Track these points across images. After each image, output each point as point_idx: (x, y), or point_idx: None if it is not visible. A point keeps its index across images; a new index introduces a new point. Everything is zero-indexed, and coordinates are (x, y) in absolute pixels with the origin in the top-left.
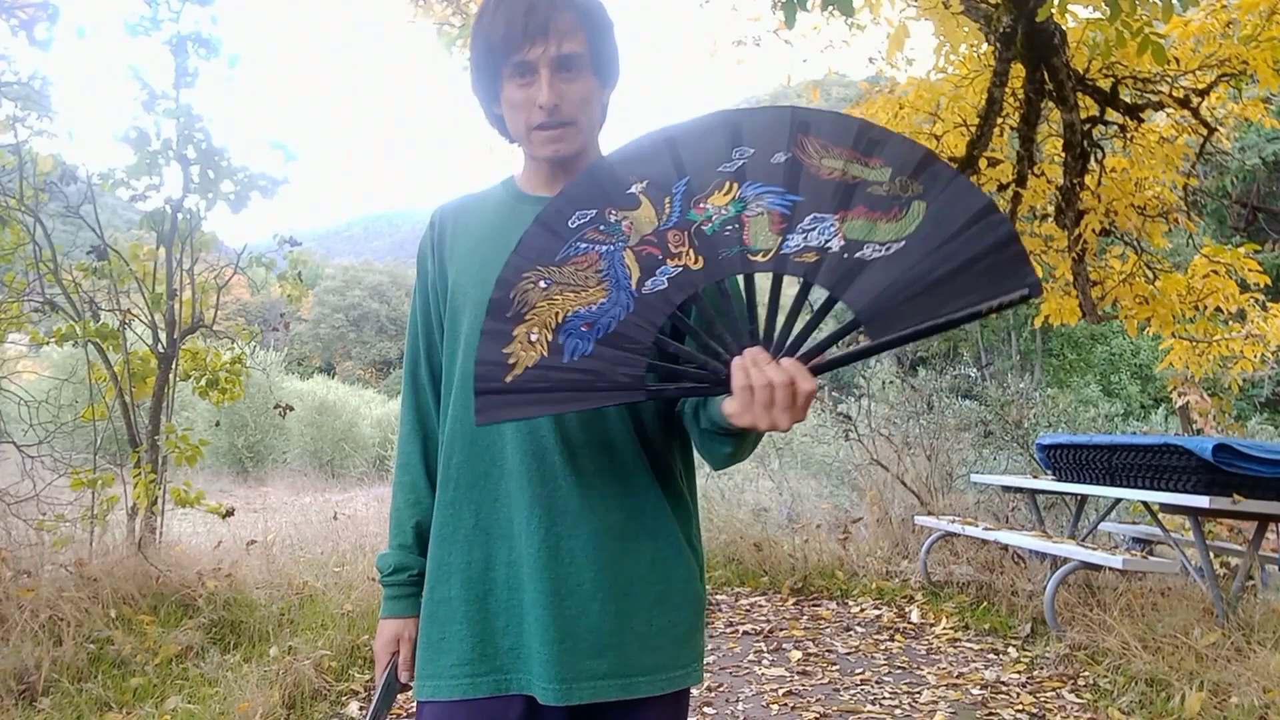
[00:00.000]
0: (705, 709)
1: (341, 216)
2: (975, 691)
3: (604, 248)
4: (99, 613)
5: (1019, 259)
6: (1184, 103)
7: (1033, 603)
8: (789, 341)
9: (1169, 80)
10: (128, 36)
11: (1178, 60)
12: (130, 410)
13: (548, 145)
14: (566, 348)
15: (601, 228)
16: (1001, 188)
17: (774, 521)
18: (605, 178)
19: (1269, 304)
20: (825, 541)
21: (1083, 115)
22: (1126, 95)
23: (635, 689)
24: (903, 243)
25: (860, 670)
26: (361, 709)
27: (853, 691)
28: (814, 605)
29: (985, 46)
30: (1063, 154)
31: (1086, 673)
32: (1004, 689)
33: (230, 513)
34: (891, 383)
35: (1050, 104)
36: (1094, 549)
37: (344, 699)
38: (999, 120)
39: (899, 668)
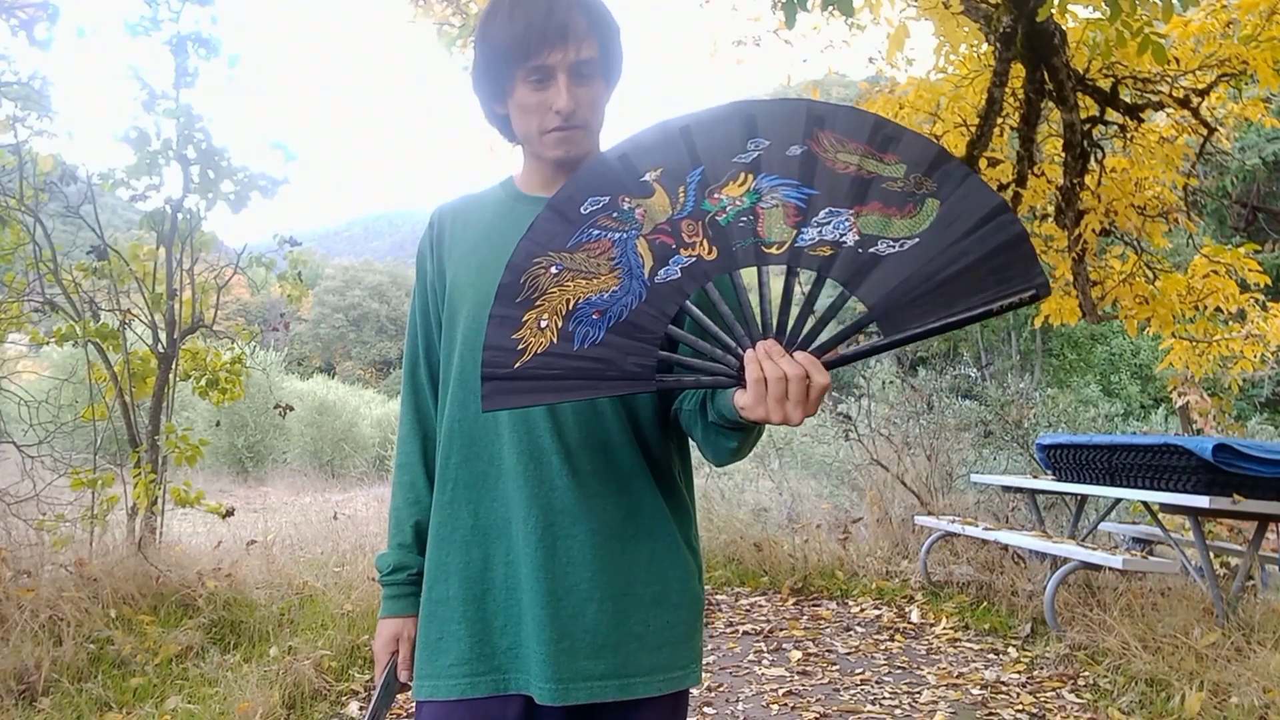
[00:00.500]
0: (705, 709)
1: (341, 216)
2: (975, 691)
3: (617, 235)
4: (99, 613)
5: (1028, 259)
6: (1184, 103)
7: (1033, 603)
8: (801, 335)
9: (1169, 80)
10: (128, 36)
11: (1178, 60)
12: (130, 410)
13: (559, 147)
14: (577, 335)
15: (614, 214)
16: (1001, 188)
17: (774, 521)
18: (619, 164)
19: (1269, 304)
20: (825, 541)
21: (1083, 115)
22: (1126, 95)
23: (633, 690)
24: (916, 239)
25: (860, 670)
26: (361, 709)
27: (853, 691)
28: (814, 605)
29: (985, 46)
30: (1063, 154)
31: (1086, 673)
32: (1004, 689)
33: (230, 513)
34: (891, 383)
35: (1050, 104)
36: (1094, 549)
37: (344, 699)
38: (999, 120)
39: (899, 668)
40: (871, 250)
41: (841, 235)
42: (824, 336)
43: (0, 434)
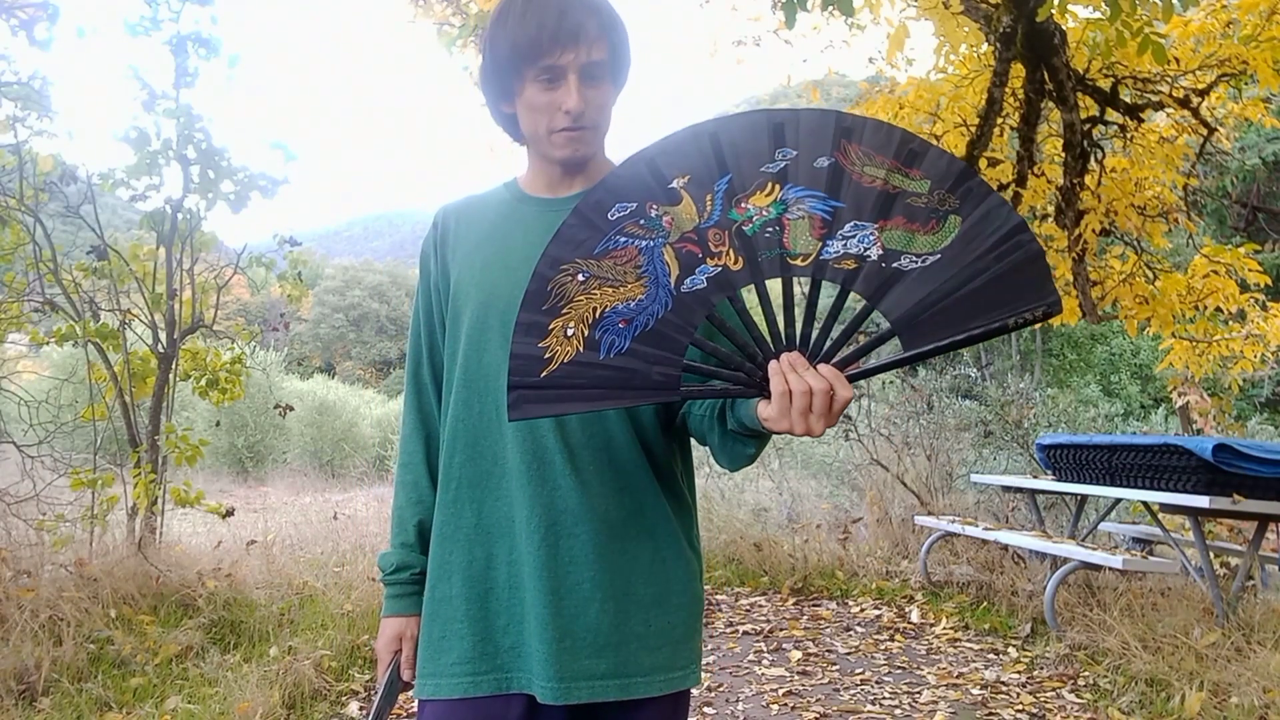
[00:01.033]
0: (705, 709)
1: (341, 216)
2: (975, 691)
3: (644, 243)
4: (99, 613)
5: (1044, 277)
6: (1184, 103)
7: (1033, 603)
8: (825, 348)
9: (1169, 80)
10: (128, 36)
11: (1178, 60)
12: (130, 410)
13: (567, 147)
14: (603, 344)
15: (642, 222)
16: (1001, 188)
17: (774, 521)
18: (646, 170)
19: (1269, 304)
20: (825, 541)
21: (1083, 115)
22: (1126, 95)
23: (634, 689)
24: (938, 255)
25: (860, 670)
26: (362, 709)
27: (853, 691)
28: (814, 605)
29: (985, 46)
30: (1063, 154)
31: (1086, 673)
32: (1004, 689)
33: (230, 513)
34: (891, 383)
35: (1050, 104)
36: (1094, 549)
37: (344, 699)
38: (999, 120)
39: (899, 668)
40: (895, 265)
41: (866, 249)
42: (844, 350)
43: (0, 434)
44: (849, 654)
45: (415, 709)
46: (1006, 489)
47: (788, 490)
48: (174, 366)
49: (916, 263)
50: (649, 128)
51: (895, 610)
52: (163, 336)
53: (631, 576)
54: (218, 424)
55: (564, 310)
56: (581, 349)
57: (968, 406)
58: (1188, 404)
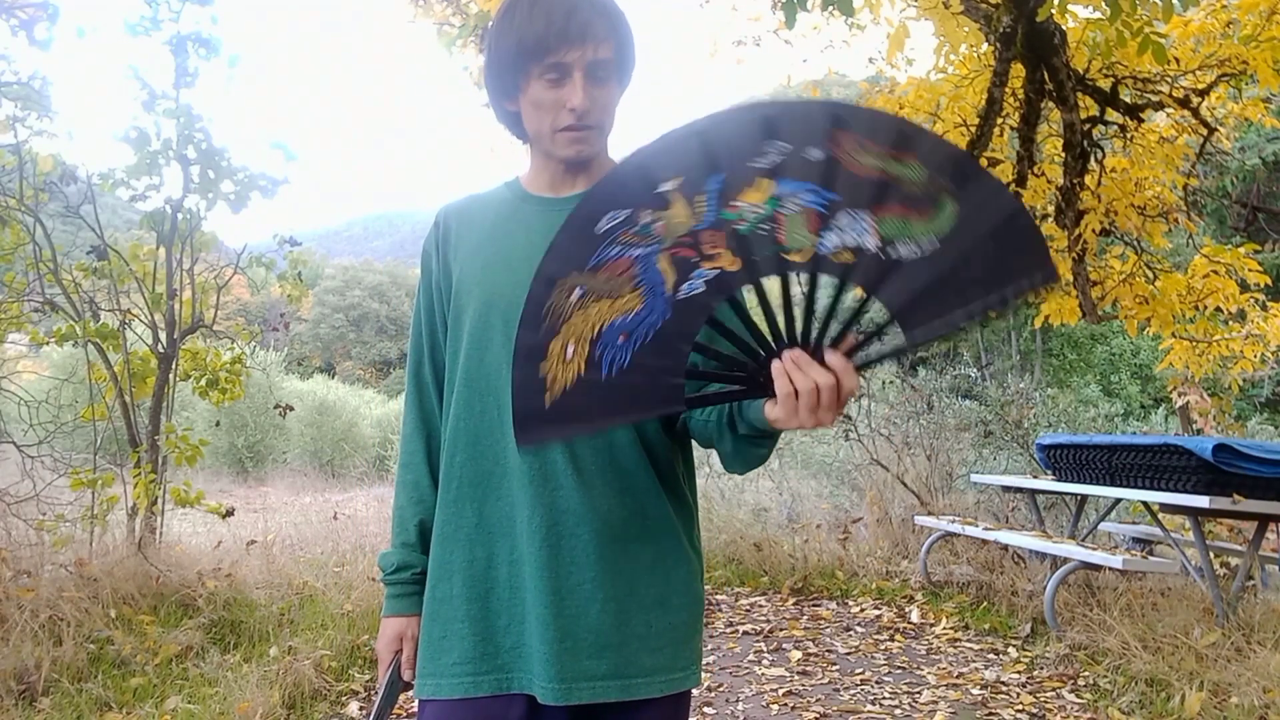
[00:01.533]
0: (705, 709)
1: (341, 216)
2: (975, 691)
3: (637, 251)
4: (99, 613)
5: (1041, 249)
6: (1184, 103)
7: (1033, 603)
8: (826, 342)
9: (1169, 80)
10: (128, 36)
11: (1178, 60)
12: (130, 410)
13: (572, 146)
14: (604, 361)
15: (634, 230)
16: None
17: (774, 521)
18: (635, 176)
19: (1269, 304)
20: (825, 541)
21: (1083, 115)
22: (1126, 95)
23: (634, 690)
24: (935, 242)
25: (860, 670)
26: (362, 709)
27: (853, 691)
28: (814, 605)
29: (985, 46)
30: (1063, 154)
31: (1086, 673)
32: (1004, 689)
33: (230, 513)
34: (891, 383)
35: (1050, 104)
36: (1094, 549)
37: (344, 699)
38: (999, 120)
39: (899, 668)
40: (891, 253)
41: (862, 239)
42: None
43: (0, 434)
44: (849, 654)
45: (415, 709)
46: (1006, 489)
47: (788, 490)
48: (174, 366)
49: (914, 250)
50: (649, 128)
51: (895, 610)
52: (163, 336)
53: (633, 577)
54: (218, 424)
55: (561, 329)
56: (583, 370)
57: (968, 406)
58: (1188, 404)
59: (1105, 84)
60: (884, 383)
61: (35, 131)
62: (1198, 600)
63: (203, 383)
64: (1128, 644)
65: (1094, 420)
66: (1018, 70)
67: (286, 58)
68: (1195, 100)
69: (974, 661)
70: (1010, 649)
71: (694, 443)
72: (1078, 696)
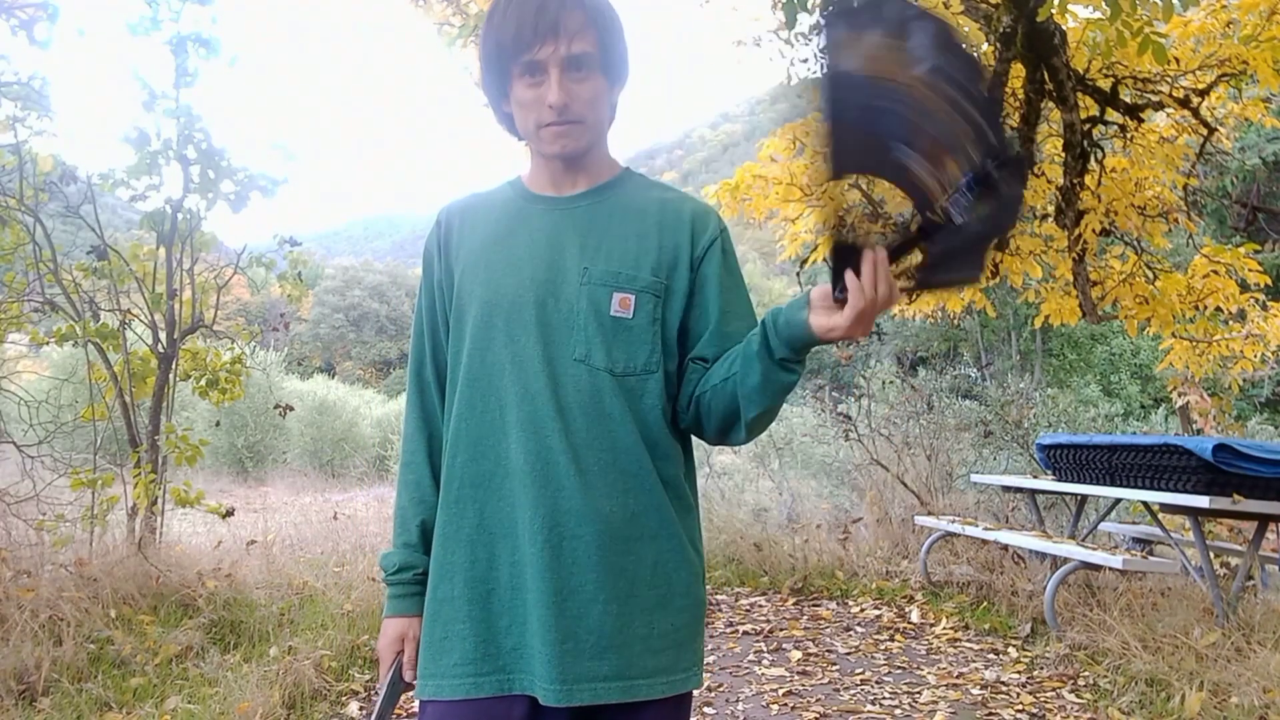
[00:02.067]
0: (705, 709)
1: (341, 217)
2: (975, 691)
3: None
4: (99, 613)
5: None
6: (1184, 103)
7: (1033, 603)
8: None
9: (1169, 80)
10: (128, 36)
11: (1178, 60)
12: (130, 410)
13: (556, 142)
14: None
15: None
16: None
17: (774, 521)
18: None
19: (1269, 304)
20: (825, 541)
21: (1083, 115)
22: (1126, 95)
23: (636, 691)
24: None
25: (860, 670)
26: (362, 709)
27: (853, 691)
28: (814, 605)
29: (985, 46)
30: (1063, 154)
31: (1086, 673)
32: (1004, 689)
33: (230, 513)
34: (891, 383)
35: (1050, 104)
36: (1094, 549)
37: (344, 699)
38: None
39: (899, 668)
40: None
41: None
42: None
43: (0, 434)
44: (849, 654)
45: (416, 709)
46: (1006, 489)
47: (788, 490)
48: (174, 366)
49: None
50: (648, 128)
51: (895, 610)
52: (163, 336)
53: (635, 579)
54: (218, 424)
55: None
56: None
57: (968, 406)
58: (1188, 404)
59: (1105, 84)
60: (884, 383)
61: (35, 131)
62: (1198, 600)
63: (203, 383)
64: (1128, 644)
65: (1094, 420)
66: (1018, 70)
67: (286, 58)
68: (1195, 100)
69: (974, 661)
70: (1010, 649)
71: (695, 441)
72: (1078, 696)
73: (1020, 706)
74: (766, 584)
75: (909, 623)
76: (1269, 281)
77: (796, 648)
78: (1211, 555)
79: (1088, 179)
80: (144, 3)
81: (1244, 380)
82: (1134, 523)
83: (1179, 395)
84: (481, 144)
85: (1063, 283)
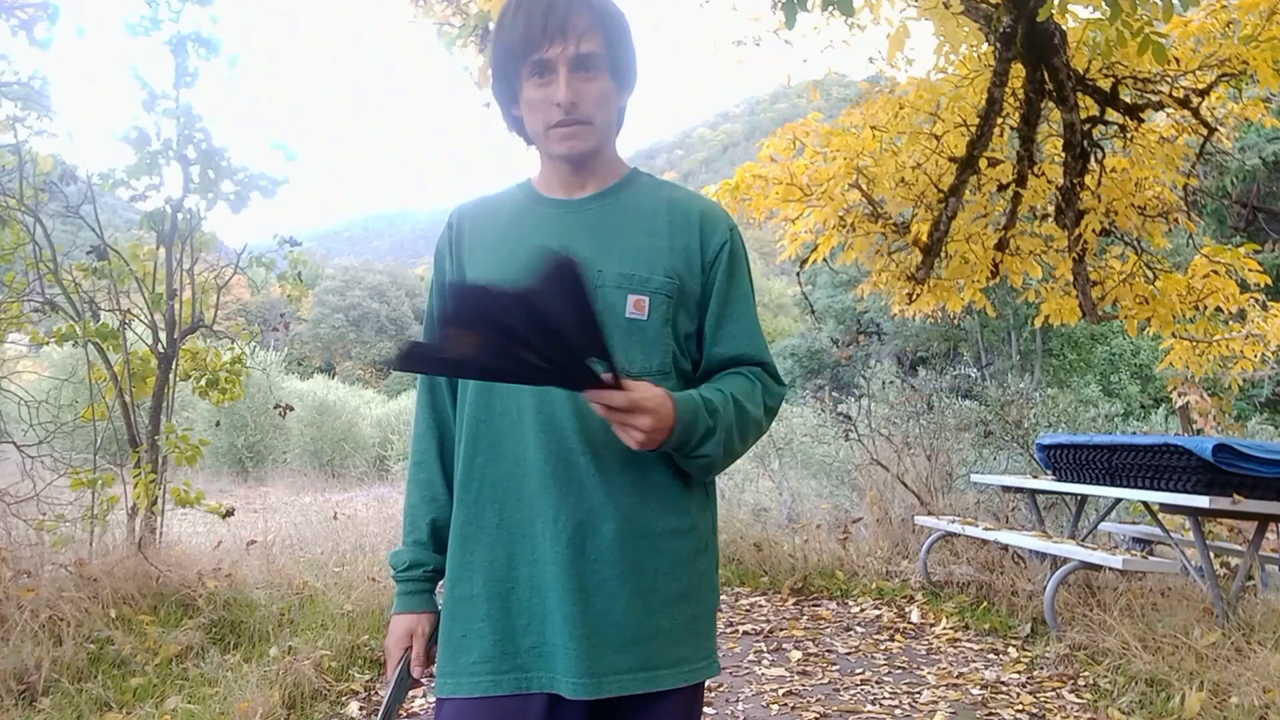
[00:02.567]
0: (705, 709)
1: (341, 217)
2: (975, 691)
3: None
4: (99, 613)
5: None
6: (1184, 103)
7: (1033, 603)
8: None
9: (1169, 80)
10: (128, 36)
11: (1178, 60)
12: (130, 410)
13: (563, 142)
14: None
15: None
16: (1001, 188)
17: (774, 521)
18: None
19: (1269, 304)
20: (825, 541)
21: (1083, 115)
22: (1126, 95)
23: (659, 681)
24: None
25: (860, 670)
26: (362, 709)
27: (853, 691)
28: (814, 605)
29: (985, 46)
30: (1063, 154)
31: (1086, 673)
32: (1004, 689)
33: (230, 513)
34: (891, 383)
35: (1050, 104)
36: (1094, 549)
37: (344, 699)
38: (999, 120)
39: (899, 668)
40: None
41: None
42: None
43: (0, 434)
44: (849, 654)
45: (414, 709)
46: (1006, 489)
47: (788, 490)
48: (174, 366)
49: None
50: (647, 128)
51: (895, 610)
52: (163, 336)
53: (656, 573)
54: (218, 424)
55: None
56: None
57: (968, 406)
58: (1188, 404)
59: (1105, 84)
60: (884, 383)
61: (35, 131)
62: (1198, 600)
63: (203, 383)
64: (1128, 644)
65: (1094, 420)
66: (1018, 70)
67: (287, 58)
68: (1195, 100)
69: (974, 661)
70: (1010, 649)
71: None
72: (1078, 696)
73: (1020, 706)
74: (766, 584)
75: (909, 623)
76: (1269, 281)
77: (796, 648)
78: (1211, 555)
79: (1088, 179)
80: (144, 2)
81: (1244, 380)
82: (1134, 523)
83: (1179, 395)
84: (482, 144)
85: (1063, 283)
